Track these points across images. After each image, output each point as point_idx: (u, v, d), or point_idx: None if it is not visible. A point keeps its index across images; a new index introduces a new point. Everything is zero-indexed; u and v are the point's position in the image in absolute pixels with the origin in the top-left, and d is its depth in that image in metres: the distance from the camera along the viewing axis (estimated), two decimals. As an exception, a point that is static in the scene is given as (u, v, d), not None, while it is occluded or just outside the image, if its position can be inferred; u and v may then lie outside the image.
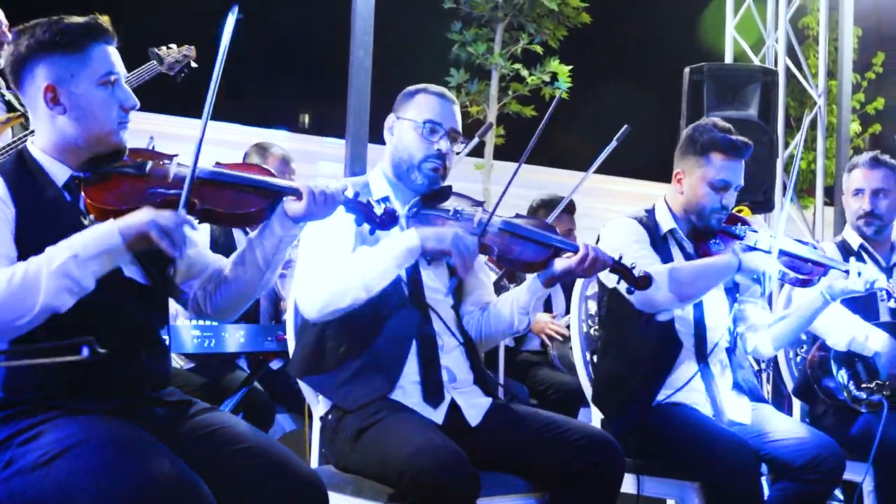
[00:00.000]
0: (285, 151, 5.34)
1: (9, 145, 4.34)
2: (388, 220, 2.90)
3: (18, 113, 4.67)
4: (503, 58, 10.57)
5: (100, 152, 2.67)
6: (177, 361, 4.76)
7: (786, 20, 8.69)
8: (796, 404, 4.82)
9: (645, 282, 3.40)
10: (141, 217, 2.45)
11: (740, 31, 9.06)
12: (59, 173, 2.66)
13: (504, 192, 3.36)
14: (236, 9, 2.55)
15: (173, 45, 4.64)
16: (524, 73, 10.62)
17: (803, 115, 12.39)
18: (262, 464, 2.59)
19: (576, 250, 3.31)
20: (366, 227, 2.93)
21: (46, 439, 2.44)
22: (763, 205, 7.29)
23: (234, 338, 4.14)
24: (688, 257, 3.92)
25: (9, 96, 4.76)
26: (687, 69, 7.36)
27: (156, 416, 2.63)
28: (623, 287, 3.47)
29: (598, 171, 4.90)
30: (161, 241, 2.43)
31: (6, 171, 2.63)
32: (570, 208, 6.07)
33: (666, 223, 3.96)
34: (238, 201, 2.70)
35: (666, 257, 3.88)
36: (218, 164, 2.80)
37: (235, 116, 9.66)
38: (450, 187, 3.47)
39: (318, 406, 3.39)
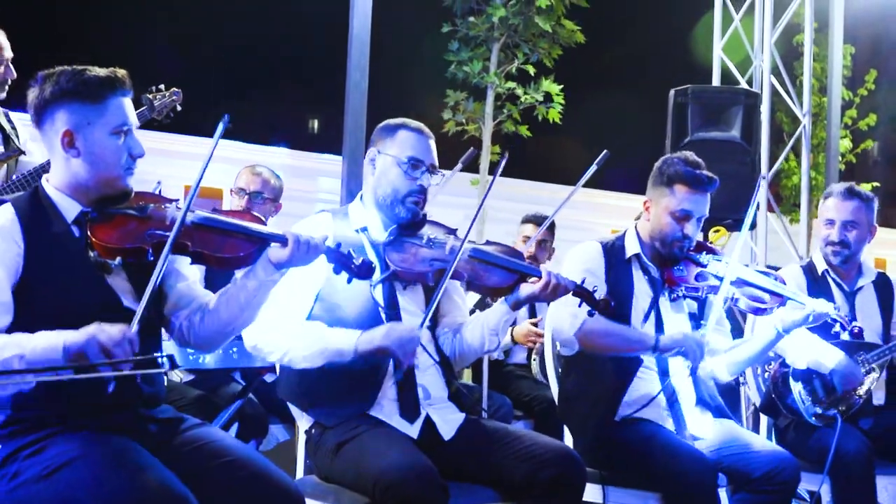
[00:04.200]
0: (261, 168, 5.48)
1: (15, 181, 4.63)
2: (365, 272, 3.13)
3: (16, 151, 4.94)
4: (498, 77, 10.84)
5: (108, 194, 2.95)
6: (176, 375, 5.00)
7: (771, 42, 8.92)
8: (763, 418, 5.05)
9: (605, 305, 3.65)
10: (83, 336, 2.57)
11: (728, 51, 9.29)
12: (70, 209, 2.93)
13: (472, 222, 3.60)
14: (227, 118, 2.83)
15: (162, 87, 4.86)
16: (519, 91, 10.90)
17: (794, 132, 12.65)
18: (246, 475, 2.85)
19: (539, 275, 3.57)
20: (344, 275, 3.15)
21: (49, 453, 2.71)
22: (737, 224, 7.51)
23: (228, 354, 4.39)
24: (652, 281, 4.16)
25: (8, 129, 5.02)
26: (672, 91, 7.60)
27: (149, 433, 2.89)
28: (584, 310, 3.71)
29: (589, 186, 5.13)
30: (96, 360, 2.54)
31: (20, 205, 2.91)
32: (550, 225, 6.34)
33: (632, 248, 4.21)
34: (227, 246, 2.96)
35: (627, 280, 4.13)
36: (215, 209, 3.06)
37: (238, 134, 9.91)
38: (425, 215, 3.72)
39: (303, 421, 3.64)
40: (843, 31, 10.43)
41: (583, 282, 3.63)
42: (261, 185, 5.31)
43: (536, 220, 6.53)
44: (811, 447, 4.50)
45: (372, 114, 6.99)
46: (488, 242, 3.72)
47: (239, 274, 3.14)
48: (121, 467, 2.65)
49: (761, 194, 8.71)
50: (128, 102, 2.98)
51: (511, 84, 10.94)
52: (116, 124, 2.92)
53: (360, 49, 7.13)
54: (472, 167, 10.89)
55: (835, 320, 4.18)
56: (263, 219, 3.14)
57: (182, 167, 8.67)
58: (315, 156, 13.15)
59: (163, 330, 3.16)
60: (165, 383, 3.19)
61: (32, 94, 2.95)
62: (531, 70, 10.90)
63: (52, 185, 2.96)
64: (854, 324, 4.25)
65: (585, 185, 5.04)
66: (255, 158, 8.82)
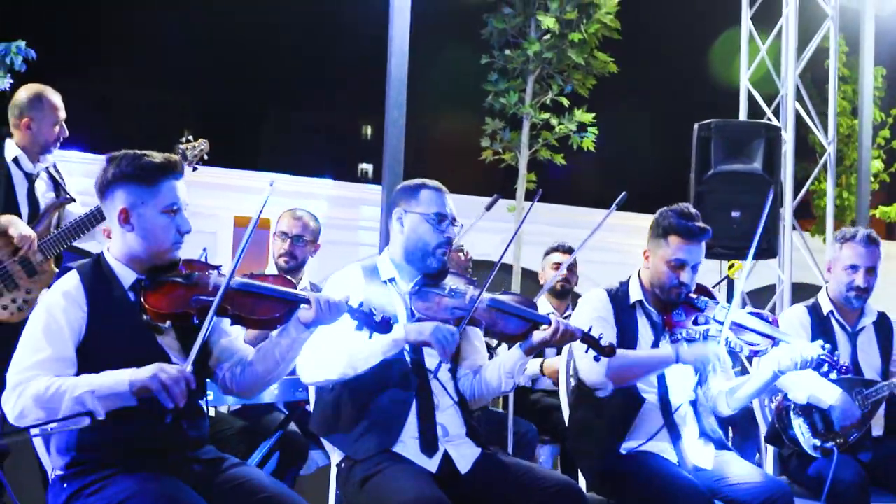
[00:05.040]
0: (300, 211, 5.85)
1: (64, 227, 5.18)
2: (385, 327, 3.51)
3: (67, 198, 5.49)
4: (534, 108, 11.23)
5: (158, 264, 3.38)
6: (224, 407, 5.42)
7: (795, 73, 9.21)
8: (769, 447, 5.35)
9: (610, 350, 4.01)
10: (147, 373, 3.06)
11: (756, 82, 9.59)
12: (127, 276, 3.38)
13: (489, 278, 3.95)
14: (274, 184, 3.26)
15: (191, 138, 5.38)
16: (553, 121, 11.27)
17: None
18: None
19: (549, 323, 3.94)
20: (366, 331, 3.52)
21: (110, 491, 3.16)
22: (767, 252, 7.82)
23: (269, 391, 4.79)
24: (653, 325, 4.51)
25: (58, 178, 5.57)
26: (696, 125, 7.92)
27: (194, 472, 3.31)
28: (591, 355, 4.07)
29: (621, 210, 5.44)
30: (159, 394, 3.04)
31: (85, 272, 3.38)
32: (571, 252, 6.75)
33: (635, 294, 4.56)
34: (262, 308, 3.38)
35: (632, 324, 4.49)
36: (252, 274, 3.49)
37: (286, 167, 10.37)
38: (448, 268, 4.11)
39: (334, 455, 4.05)
40: (873, 53, 10.71)
41: (590, 329, 3.98)
42: (301, 229, 5.69)
43: (563, 248, 6.94)
44: (810, 476, 4.80)
45: (411, 142, 7.38)
46: (504, 292, 4.09)
47: (274, 333, 3.55)
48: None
49: (786, 218, 9.00)
50: (179, 184, 3.41)
51: (545, 115, 11.31)
52: (167, 204, 3.35)
53: (397, 87, 7.52)
54: (509, 194, 11.27)
55: (823, 360, 4.48)
56: (294, 282, 3.55)
57: (233, 199, 9.13)
58: (356, 185, 13.68)
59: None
60: (208, 425, 3.60)
61: (99, 174, 3.41)
62: (565, 101, 11.26)
63: (111, 254, 3.41)
64: (842, 364, 4.55)
65: (620, 209, 5.34)
66: (302, 189, 9.27)
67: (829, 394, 4.83)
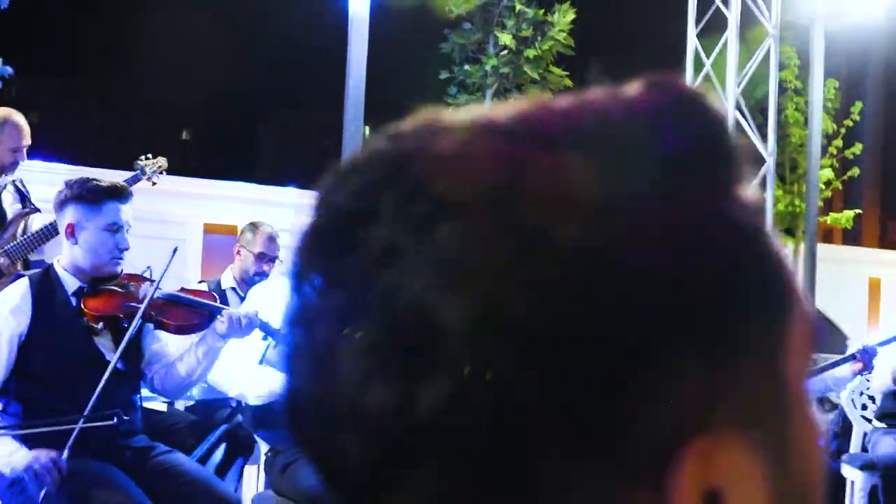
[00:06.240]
0: (273, 230, 6.33)
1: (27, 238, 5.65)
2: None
3: (32, 208, 5.97)
4: (491, 121, 11.69)
5: (99, 276, 3.88)
6: (180, 403, 5.89)
7: (736, 90, 9.71)
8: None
9: None
10: (22, 462, 3.46)
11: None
12: (71, 284, 3.89)
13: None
14: (177, 249, 3.80)
15: (150, 156, 5.88)
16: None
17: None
18: (198, 492, 3.77)
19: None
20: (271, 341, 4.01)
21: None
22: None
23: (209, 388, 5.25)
24: None
25: (24, 191, 6.05)
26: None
27: (124, 458, 3.81)
28: None
29: None
30: (30, 483, 3.44)
31: (34, 278, 3.92)
32: None
33: None
34: (181, 316, 3.91)
35: None
36: (183, 289, 4.00)
37: (250, 176, 10.84)
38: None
39: (264, 446, 4.54)
40: (823, 66, 11.22)
41: None
42: (277, 251, 6.13)
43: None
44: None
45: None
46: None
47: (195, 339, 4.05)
48: (103, 486, 3.57)
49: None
50: (124, 208, 3.91)
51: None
52: (108, 223, 3.84)
53: (355, 104, 8.01)
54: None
55: None
56: (217, 297, 4.06)
57: (203, 208, 9.60)
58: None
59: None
60: (140, 417, 4.08)
61: (56, 194, 3.94)
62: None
63: (60, 264, 3.93)
64: None
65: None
66: (267, 198, 9.75)
67: None
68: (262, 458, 4.63)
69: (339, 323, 0.46)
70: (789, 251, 12.42)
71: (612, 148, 0.48)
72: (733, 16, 9.76)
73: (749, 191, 0.51)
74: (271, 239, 6.10)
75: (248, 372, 4.30)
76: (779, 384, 0.50)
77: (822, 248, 13.25)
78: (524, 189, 0.46)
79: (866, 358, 5.40)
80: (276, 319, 3.94)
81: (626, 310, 0.45)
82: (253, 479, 5.57)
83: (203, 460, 5.05)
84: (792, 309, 0.51)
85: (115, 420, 3.40)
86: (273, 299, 4.42)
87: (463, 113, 0.50)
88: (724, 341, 0.47)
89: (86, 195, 3.84)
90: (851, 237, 22.15)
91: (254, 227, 6.22)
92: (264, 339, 3.99)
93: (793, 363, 0.51)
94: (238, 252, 6.03)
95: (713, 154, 0.50)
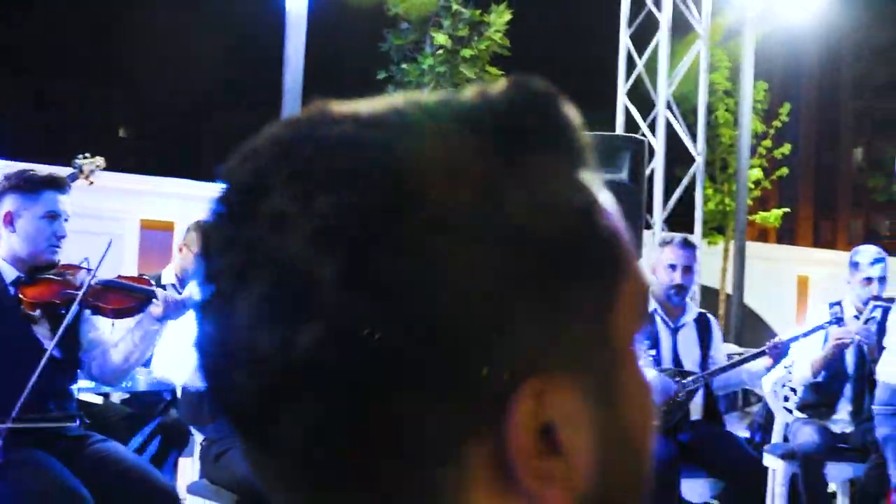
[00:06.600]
0: None
1: None
2: None
3: None
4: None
5: (37, 265, 3.94)
6: (116, 395, 5.95)
7: (667, 91, 9.94)
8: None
9: None
10: None
11: (633, 97, 10.32)
12: (10, 273, 3.94)
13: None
14: (111, 242, 3.86)
15: (88, 154, 5.91)
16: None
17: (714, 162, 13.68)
18: (133, 479, 3.84)
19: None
20: None
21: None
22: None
23: (147, 378, 5.33)
24: None
25: None
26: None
27: (59, 447, 3.87)
28: None
29: None
30: None
31: None
32: None
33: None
34: (116, 300, 3.98)
35: None
36: (120, 276, 4.07)
37: (191, 173, 10.82)
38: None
39: (198, 435, 4.62)
40: (753, 69, 11.48)
41: None
42: None
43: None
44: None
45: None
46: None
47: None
48: (37, 474, 3.64)
49: (657, 224, 9.74)
50: (62, 198, 3.96)
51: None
52: (45, 211, 3.90)
53: (292, 103, 8.08)
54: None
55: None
56: (152, 283, 4.14)
57: (141, 204, 9.63)
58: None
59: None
60: (75, 406, 4.14)
61: None
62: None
63: (0, 254, 3.95)
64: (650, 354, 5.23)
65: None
66: (206, 194, 9.76)
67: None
68: (197, 448, 4.71)
69: (238, 278, 0.56)
70: (720, 249, 12.69)
71: (464, 131, 0.58)
72: (665, 19, 9.99)
73: (592, 176, 0.62)
74: None
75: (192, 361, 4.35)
76: (608, 340, 0.59)
77: (754, 247, 13.55)
78: (388, 168, 0.56)
79: (775, 353, 5.62)
80: None
81: (469, 269, 0.55)
82: (188, 470, 5.64)
83: (139, 452, 5.14)
84: (623, 277, 0.60)
85: (77, 423, 3.49)
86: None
87: (350, 104, 0.61)
88: (556, 300, 0.57)
89: (23, 185, 3.90)
90: (787, 237, 22.56)
91: (198, 226, 6.28)
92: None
93: (623, 324, 0.60)
94: (181, 249, 6.13)
95: (556, 139, 0.61)
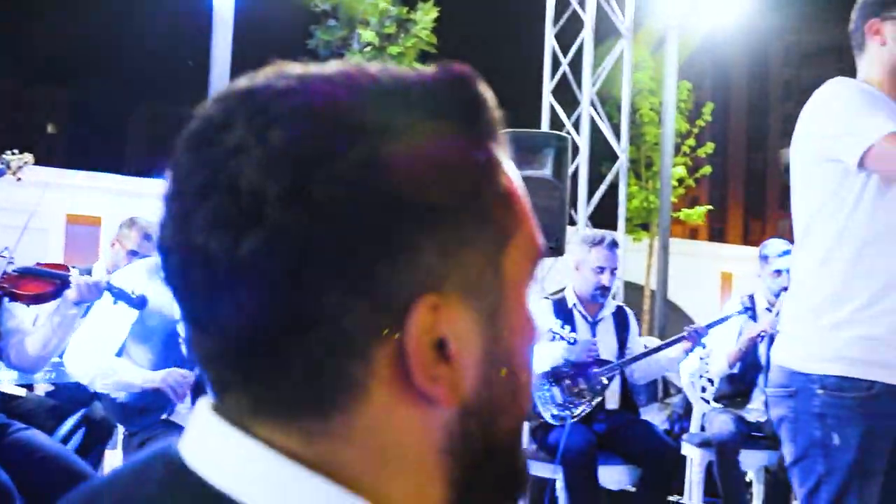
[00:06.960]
0: (150, 229, 6.33)
1: None
2: (141, 303, 4.15)
3: None
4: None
5: None
6: (40, 388, 5.95)
7: (591, 89, 10.10)
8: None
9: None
10: None
11: (558, 96, 10.47)
12: None
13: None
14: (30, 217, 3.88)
15: (16, 151, 5.86)
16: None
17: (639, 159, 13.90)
18: (54, 468, 3.88)
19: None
20: (124, 306, 4.11)
21: None
22: (556, 251, 8.62)
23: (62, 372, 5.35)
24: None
25: None
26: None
27: (-21, 436, 3.92)
28: None
29: None
30: None
31: None
32: None
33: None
34: (32, 286, 4.02)
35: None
36: (38, 263, 4.10)
37: (118, 168, 10.79)
38: None
39: (121, 428, 4.64)
40: (676, 69, 11.69)
41: None
42: (151, 250, 6.17)
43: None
44: (550, 443, 5.59)
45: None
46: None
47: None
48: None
49: (580, 220, 9.91)
50: None
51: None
52: None
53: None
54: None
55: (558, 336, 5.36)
56: (69, 268, 4.18)
57: (66, 198, 9.57)
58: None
59: None
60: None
61: None
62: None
63: None
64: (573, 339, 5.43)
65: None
66: (133, 189, 9.74)
67: (554, 355, 5.64)
68: (121, 439, 4.73)
69: (199, 193, 0.68)
70: (644, 245, 12.88)
71: (397, 95, 0.72)
72: (589, 17, 10.15)
73: (501, 147, 0.77)
74: (146, 237, 6.14)
75: (102, 362, 4.38)
76: (499, 276, 0.74)
77: (679, 244, 13.77)
78: (333, 112, 0.69)
79: (694, 337, 5.81)
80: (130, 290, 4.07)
81: (386, 199, 0.68)
82: (114, 462, 5.66)
83: (63, 444, 5.15)
84: (517, 229, 0.75)
85: None
86: (130, 278, 4.50)
87: (303, 67, 0.75)
88: (455, 234, 0.70)
89: None
90: (717, 236, 22.90)
91: (131, 222, 6.25)
92: (115, 303, 4.08)
93: (514, 268, 0.75)
94: (113, 245, 6.12)
95: (469, 109, 0.75)
